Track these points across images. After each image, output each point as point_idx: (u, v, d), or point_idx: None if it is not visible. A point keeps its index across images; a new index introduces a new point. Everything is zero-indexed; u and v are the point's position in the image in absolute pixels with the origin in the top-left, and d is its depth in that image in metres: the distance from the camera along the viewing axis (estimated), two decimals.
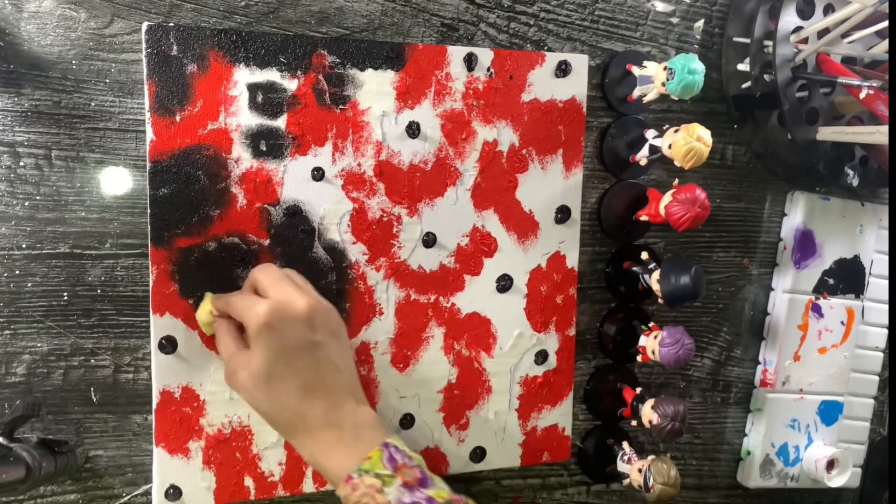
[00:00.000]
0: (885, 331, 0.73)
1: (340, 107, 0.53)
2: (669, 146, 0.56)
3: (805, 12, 0.60)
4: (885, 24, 0.59)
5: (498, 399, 0.60)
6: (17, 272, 0.49)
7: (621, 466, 0.62)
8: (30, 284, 0.49)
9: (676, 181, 0.60)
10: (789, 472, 0.71)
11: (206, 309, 0.49)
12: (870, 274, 0.71)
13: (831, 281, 0.69)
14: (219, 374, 0.52)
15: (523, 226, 0.59)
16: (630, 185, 0.62)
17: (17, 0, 0.47)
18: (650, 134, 0.60)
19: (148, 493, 0.53)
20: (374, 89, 0.54)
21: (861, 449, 0.74)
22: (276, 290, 0.46)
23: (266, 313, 0.44)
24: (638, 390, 0.62)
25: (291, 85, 0.52)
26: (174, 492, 0.52)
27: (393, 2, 0.55)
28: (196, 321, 0.51)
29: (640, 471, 0.58)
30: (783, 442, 0.70)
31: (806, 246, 0.68)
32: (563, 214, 0.60)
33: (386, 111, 0.54)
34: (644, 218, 0.61)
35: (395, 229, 0.55)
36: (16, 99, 0.48)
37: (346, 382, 0.47)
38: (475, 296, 0.58)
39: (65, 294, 0.50)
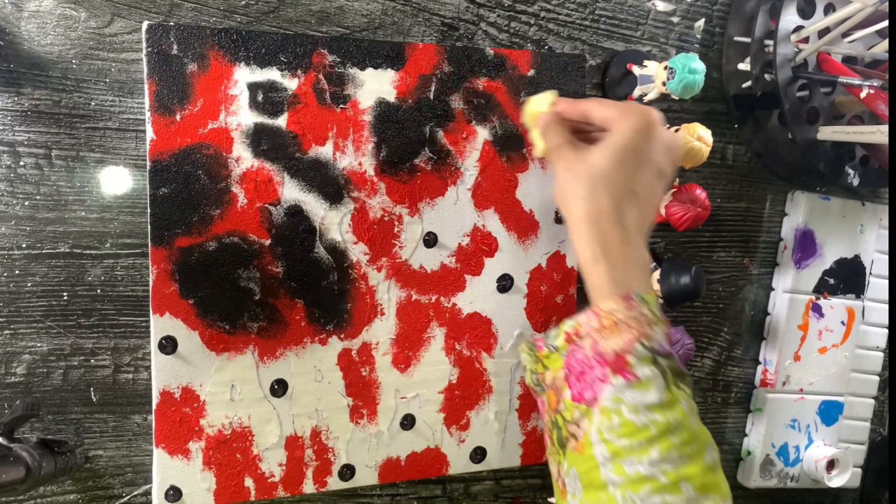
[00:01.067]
0: (886, 331, 0.73)
1: (341, 106, 0.53)
2: None
3: (806, 12, 0.60)
4: (886, 23, 0.59)
5: (498, 399, 0.60)
6: (17, 272, 0.49)
7: None
8: (30, 284, 0.49)
9: (677, 181, 0.60)
10: (789, 472, 0.71)
11: (548, 100, 0.51)
12: (870, 274, 0.71)
13: (832, 281, 0.69)
14: (219, 375, 0.52)
15: (523, 225, 0.59)
16: None
17: None
18: None
19: (148, 493, 0.53)
20: (375, 88, 0.54)
21: (861, 449, 0.74)
22: (653, 114, 0.47)
23: (648, 119, 0.45)
24: None
25: (292, 84, 0.52)
26: (174, 493, 0.52)
27: (393, 1, 0.55)
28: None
29: None
30: (783, 442, 0.70)
31: (806, 246, 0.68)
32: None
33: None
34: None
35: (396, 229, 0.55)
36: (16, 98, 0.48)
37: (652, 222, 0.47)
38: (476, 296, 0.58)
39: (65, 294, 0.50)
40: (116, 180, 0.50)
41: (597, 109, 0.47)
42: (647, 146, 0.45)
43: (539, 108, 0.52)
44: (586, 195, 0.44)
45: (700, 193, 0.56)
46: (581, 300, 0.62)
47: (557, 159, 0.47)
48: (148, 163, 0.49)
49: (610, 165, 0.44)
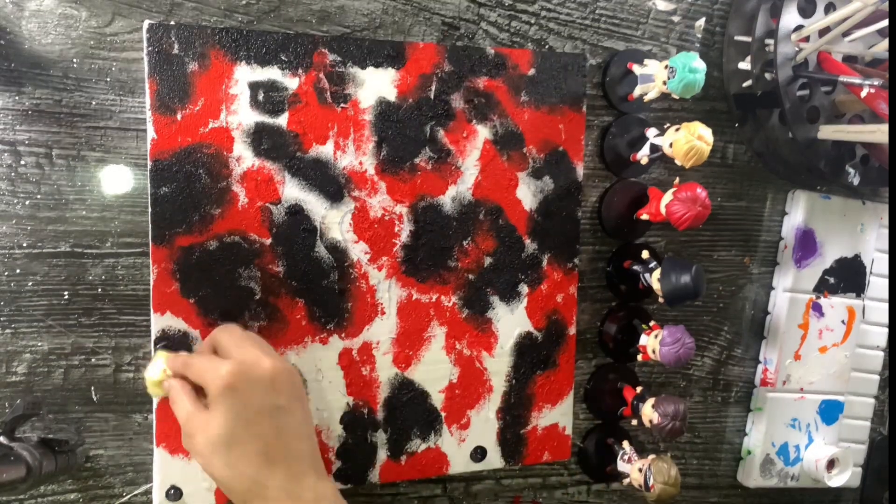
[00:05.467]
0: (886, 330, 0.73)
1: (341, 105, 0.53)
2: (670, 145, 0.56)
3: (806, 11, 0.60)
4: (886, 22, 0.59)
5: (499, 398, 0.60)
6: (18, 271, 0.49)
7: (621, 466, 0.62)
8: (31, 283, 0.49)
9: (677, 180, 0.60)
10: (790, 471, 0.71)
11: (159, 367, 0.46)
12: (870, 273, 0.71)
13: (832, 280, 0.69)
14: None
15: (524, 225, 0.59)
16: (631, 184, 0.62)
17: None
18: (651, 132, 0.60)
19: (148, 492, 0.53)
20: (376, 87, 0.54)
21: (861, 448, 0.74)
22: (240, 350, 0.44)
23: (230, 374, 0.42)
24: (638, 389, 0.62)
25: (292, 83, 0.52)
26: (175, 492, 0.52)
27: (394, 0, 0.55)
28: (150, 381, 0.47)
29: (640, 470, 0.58)
30: (783, 441, 0.70)
31: (807, 245, 0.68)
32: None
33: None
34: (645, 217, 0.61)
35: (396, 228, 0.55)
36: (17, 97, 0.48)
37: (308, 452, 0.45)
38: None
39: (65, 293, 0.50)
40: (117, 179, 0.50)
41: (196, 369, 0.44)
42: (243, 401, 0.42)
43: (156, 376, 0.47)
44: (225, 479, 0.42)
45: (700, 192, 0.56)
46: (581, 299, 0.62)
47: (185, 435, 0.44)
48: (149, 162, 0.49)
49: (223, 447, 0.41)
